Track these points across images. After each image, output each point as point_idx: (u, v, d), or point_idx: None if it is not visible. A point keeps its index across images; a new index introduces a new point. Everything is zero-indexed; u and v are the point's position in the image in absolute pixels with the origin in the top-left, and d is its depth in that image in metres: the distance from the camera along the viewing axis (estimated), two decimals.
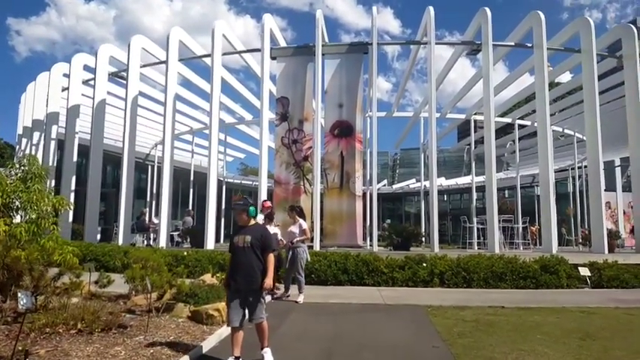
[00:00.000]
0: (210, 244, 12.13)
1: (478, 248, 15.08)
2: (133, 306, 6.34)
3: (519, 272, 9.73)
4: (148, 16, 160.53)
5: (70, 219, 15.03)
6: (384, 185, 35.89)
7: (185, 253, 10.81)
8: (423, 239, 14.85)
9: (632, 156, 12.81)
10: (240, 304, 4.03)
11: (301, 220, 7.86)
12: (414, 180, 33.29)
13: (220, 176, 21.63)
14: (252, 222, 4.26)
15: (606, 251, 11.45)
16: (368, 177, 15.58)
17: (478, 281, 9.60)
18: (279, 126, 12.65)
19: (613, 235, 12.98)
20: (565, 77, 23.99)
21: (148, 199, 23.05)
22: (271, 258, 4.13)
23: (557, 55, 14.06)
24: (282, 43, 13.93)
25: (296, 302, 7.40)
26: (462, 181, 31.21)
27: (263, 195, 12.01)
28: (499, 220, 12.23)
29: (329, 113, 12.56)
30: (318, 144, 11.97)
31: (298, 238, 7.69)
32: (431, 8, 11.93)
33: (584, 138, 20.37)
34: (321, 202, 12.10)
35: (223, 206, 20.36)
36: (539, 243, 17.75)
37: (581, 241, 16.53)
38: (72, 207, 14.88)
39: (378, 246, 13.36)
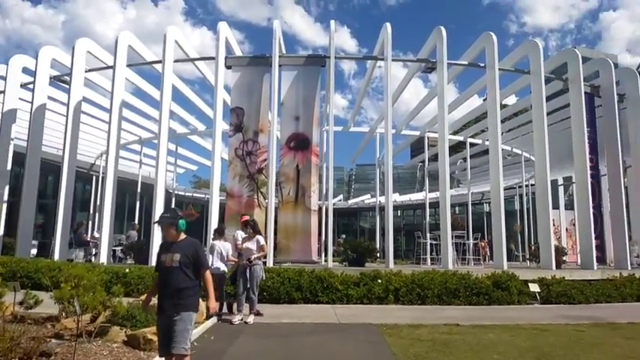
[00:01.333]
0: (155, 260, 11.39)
1: (432, 264, 15.16)
2: (62, 329, 5.70)
3: (472, 288, 9.78)
4: (100, 23, 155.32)
5: (1, 232, 13.81)
6: (340, 200, 35.89)
7: (127, 270, 10.09)
8: (378, 255, 14.75)
9: (576, 176, 13.36)
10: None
11: (259, 236, 7.47)
12: (369, 195, 33.52)
13: (170, 188, 20.75)
14: (182, 237, 3.71)
15: (554, 267, 11.76)
16: (324, 191, 15.39)
17: (432, 297, 9.55)
18: (233, 137, 12.21)
19: (560, 252, 13.39)
20: (511, 100, 25.03)
21: (92, 211, 21.74)
22: (208, 277, 3.69)
23: (504, 78, 14.48)
24: (238, 53, 13.59)
25: (245, 323, 6.99)
26: (416, 197, 31.75)
27: (214, 208, 11.52)
28: (452, 236, 12.32)
29: (285, 125, 12.29)
30: (274, 156, 11.64)
31: (256, 255, 7.26)
32: (388, 25, 12.03)
33: (532, 157, 21.31)
34: (276, 216, 11.72)
35: None
36: (488, 258, 18.17)
37: (529, 257, 17.02)
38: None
39: (333, 261, 13.12)
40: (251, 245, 7.30)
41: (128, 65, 13.50)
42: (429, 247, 16.01)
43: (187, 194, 30.37)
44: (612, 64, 13.92)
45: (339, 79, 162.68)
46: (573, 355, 5.25)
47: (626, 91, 14.36)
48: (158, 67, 12.76)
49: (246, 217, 8.41)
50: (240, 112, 12.20)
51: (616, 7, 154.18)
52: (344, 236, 29.78)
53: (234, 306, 7.57)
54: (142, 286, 9.41)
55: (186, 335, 3.49)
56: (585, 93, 13.32)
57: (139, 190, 19.97)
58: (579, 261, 18.40)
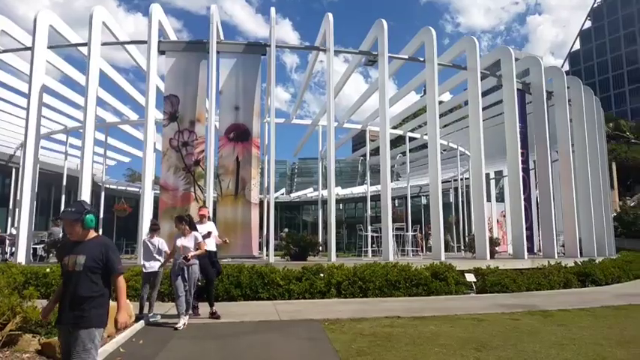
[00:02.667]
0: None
1: (373, 256, 15.27)
2: None
3: (412, 280, 9.89)
4: (24, 6, 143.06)
5: None
6: (282, 194, 35.53)
7: (48, 270, 9.23)
8: (321, 248, 14.63)
9: (509, 169, 13.93)
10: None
11: (196, 232, 6.84)
12: (311, 189, 33.43)
13: (99, 181, 19.39)
14: (92, 235, 3.06)
15: (488, 257, 12.20)
16: (266, 185, 15.00)
17: (374, 290, 9.54)
18: (167, 126, 11.48)
19: (494, 242, 13.94)
20: (445, 97, 25.90)
21: (11, 206, 19.88)
22: (121, 285, 3.04)
23: (440, 76, 14.74)
24: (173, 38, 12.81)
25: (175, 328, 6.25)
26: (357, 190, 32.07)
27: (147, 202, 10.78)
28: (392, 229, 12.42)
29: (224, 115, 11.74)
30: (212, 147, 11.12)
31: (193, 253, 6.62)
32: (330, 15, 11.81)
33: (467, 152, 22.15)
34: (214, 210, 11.20)
35: (102, 215, 18.17)
36: (424, 249, 18.66)
37: (464, 247, 17.65)
38: None
39: (275, 256, 12.82)
40: (187, 243, 6.68)
41: (50, 47, 12.34)
42: (369, 240, 16.13)
43: (120, 188, 28.66)
44: (542, 62, 14.63)
45: (281, 72, 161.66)
46: (511, 344, 5.32)
47: (554, 89, 15.20)
48: (85, 51, 11.71)
49: (206, 210, 8.03)
50: (174, 100, 11.49)
51: (541, 12, 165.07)
52: (286, 230, 29.52)
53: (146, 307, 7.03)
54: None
55: (87, 357, 2.86)
56: (517, 89, 13.90)
57: (64, 183, 18.46)
58: (510, 251, 19.43)
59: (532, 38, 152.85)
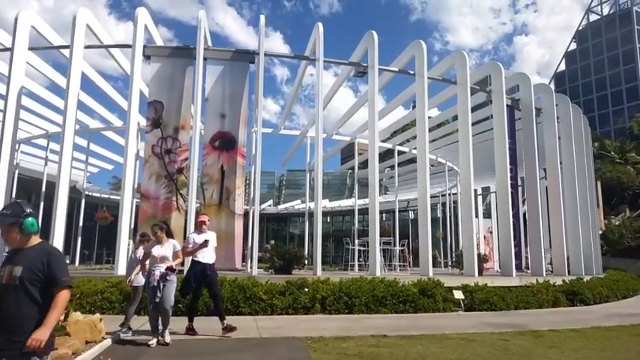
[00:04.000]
0: None
1: (359, 270, 14.98)
2: None
3: (399, 296, 9.62)
4: (13, 10, 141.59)
5: None
6: (270, 205, 35.12)
7: None
8: (306, 262, 14.28)
9: (497, 185, 13.82)
10: None
11: (174, 241, 6.34)
12: (299, 201, 33.10)
13: (80, 188, 18.85)
14: (34, 242, 2.59)
15: (476, 274, 11.98)
16: (252, 195, 14.67)
17: (360, 306, 9.24)
18: (150, 133, 11.14)
19: (482, 259, 13.76)
20: (433, 112, 26.00)
21: None
22: (62, 298, 2.48)
23: (429, 90, 14.72)
24: (160, 43, 12.53)
25: (165, 344, 5.88)
26: (345, 203, 31.81)
27: (125, 210, 10.37)
28: (380, 243, 12.17)
29: (209, 123, 11.44)
30: (196, 155, 10.76)
31: (173, 263, 6.13)
32: (320, 25, 11.67)
33: (455, 167, 22.11)
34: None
35: (81, 223, 17.63)
36: (410, 264, 18.40)
37: (451, 263, 17.45)
38: None
39: (259, 269, 12.45)
40: (165, 252, 6.13)
41: (31, 49, 11.98)
42: (356, 254, 15.84)
43: (103, 196, 27.98)
44: (531, 79, 14.64)
45: (271, 84, 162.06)
46: None
47: (543, 106, 15.22)
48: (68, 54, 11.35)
49: (206, 217, 7.15)
50: (159, 106, 11.18)
51: (528, 33, 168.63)
52: (273, 242, 29.05)
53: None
54: None
55: None
56: (506, 105, 13.87)
57: (43, 189, 17.89)
58: (496, 267, 19.29)
59: (518, 58, 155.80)
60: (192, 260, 6.73)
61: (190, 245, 6.70)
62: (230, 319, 8.09)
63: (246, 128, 11.65)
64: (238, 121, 11.37)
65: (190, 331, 6.69)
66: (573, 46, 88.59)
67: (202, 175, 11.16)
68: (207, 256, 6.68)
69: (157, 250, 6.13)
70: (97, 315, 6.16)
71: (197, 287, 6.80)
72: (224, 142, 11.22)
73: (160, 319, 6.06)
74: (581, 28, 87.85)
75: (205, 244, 6.59)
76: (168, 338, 5.97)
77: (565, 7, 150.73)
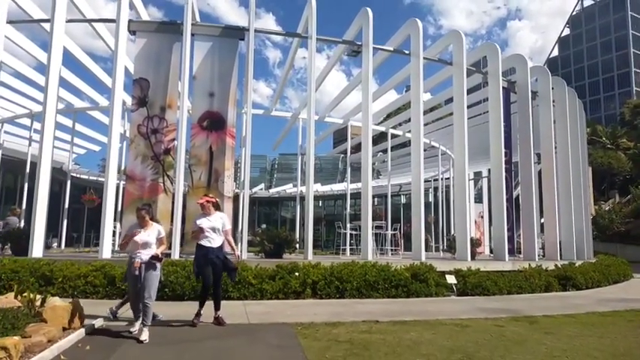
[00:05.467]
0: (37, 250, 9.74)
1: (351, 254, 14.82)
2: None
3: (391, 281, 9.45)
4: None
5: None
6: (261, 189, 34.83)
7: None
8: (297, 246, 14.08)
9: (492, 169, 13.61)
10: None
11: (159, 226, 5.87)
12: (291, 185, 32.84)
13: (66, 170, 18.38)
14: None
15: (469, 258, 11.85)
16: (242, 178, 14.36)
17: (351, 291, 9.07)
18: (135, 112, 10.71)
19: (474, 243, 13.64)
20: (425, 96, 25.74)
21: None
22: None
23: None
24: (146, 19, 12.03)
25: (139, 341, 5.17)
26: (337, 187, 31.61)
27: (110, 192, 10.02)
28: (372, 227, 11.97)
29: (198, 102, 11.04)
30: (183, 136, 10.39)
31: (158, 251, 5.68)
32: (313, 0, 11.23)
33: (448, 151, 21.91)
34: (184, 202, 10.52)
35: (66, 205, 17.21)
36: (402, 248, 18.29)
37: (444, 247, 17.36)
38: None
39: (249, 252, 12.23)
40: (148, 238, 5.66)
41: (10, 22, 11.45)
42: (348, 238, 15.67)
43: (91, 178, 27.45)
44: (528, 61, 14.36)
45: (263, 67, 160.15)
46: (499, 355, 4.88)
47: (539, 89, 14.97)
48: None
49: (208, 198, 6.45)
50: (144, 84, 10.73)
51: (521, 17, 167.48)
52: (264, 226, 28.81)
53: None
54: (15, 282, 7.87)
55: None
56: (502, 88, 13.59)
57: (27, 170, 17.40)
58: (486, 251, 19.28)
59: (512, 43, 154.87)
60: (197, 244, 6.31)
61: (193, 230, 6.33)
62: None
63: (235, 108, 11.27)
64: (228, 101, 10.98)
65: (215, 320, 6.27)
66: (567, 31, 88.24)
67: (190, 156, 10.80)
68: (212, 241, 6.22)
69: (139, 235, 5.64)
70: (78, 300, 5.87)
71: (202, 273, 6.23)
72: (213, 122, 10.84)
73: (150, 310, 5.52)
74: (574, 13, 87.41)
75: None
76: (145, 335, 5.24)
77: None
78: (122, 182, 13.28)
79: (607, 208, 31.24)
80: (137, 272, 5.52)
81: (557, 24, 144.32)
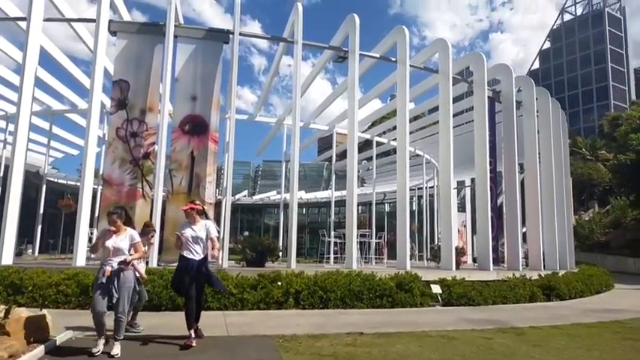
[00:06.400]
0: (6, 257, 9.29)
1: (335, 262, 14.60)
2: None
3: (376, 290, 9.27)
4: None
5: None
6: (245, 196, 34.42)
7: None
8: (280, 254, 13.81)
9: (477, 178, 13.56)
10: None
11: (132, 232, 5.39)
12: (274, 192, 32.53)
13: (42, 173, 17.80)
14: None
15: (454, 268, 11.75)
16: (224, 185, 14.06)
17: (335, 301, 8.85)
18: (114, 114, 10.37)
19: (459, 252, 13.55)
20: (409, 105, 25.88)
21: None
22: None
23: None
24: (127, 19, 11.72)
25: (111, 356, 4.82)
26: (321, 195, 31.42)
27: (86, 197, 9.64)
28: (357, 235, 11.79)
29: (179, 105, 10.73)
30: (164, 139, 10.08)
31: (131, 257, 5.22)
32: (299, 5, 11.10)
33: (432, 160, 21.94)
34: (163, 209, 10.19)
35: (41, 210, 16.64)
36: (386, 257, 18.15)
37: (428, 257, 17.27)
38: None
39: (230, 260, 11.91)
40: (121, 243, 5.20)
41: None
42: (332, 246, 15.46)
43: (70, 183, 26.72)
44: (513, 71, 14.42)
45: (248, 73, 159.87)
46: None
47: (523, 99, 15.07)
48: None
49: (193, 205, 6.04)
50: (124, 85, 10.41)
51: (503, 30, 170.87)
52: (246, 233, 28.42)
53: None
54: None
55: None
56: (487, 97, 13.62)
57: (0, 174, 16.78)
58: (469, 261, 19.28)
59: (494, 55, 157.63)
60: (180, 254, 5.88)
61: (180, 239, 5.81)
62: None
63: (218, 112, 11.00)
64: (210, 105, 10.71)
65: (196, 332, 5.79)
66: (547, 44, 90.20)
67: (170, 160, 10.47)
68: (195, 252, 5.75)
69: (111, 241, 5.16)
70: (45, 311, 5.51)
71: (182, 286, 5.78)
72: (195, 126, 10.55)
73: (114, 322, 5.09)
74: (555, 27, 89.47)
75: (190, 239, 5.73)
76: (116, 349, 4.90)
77: (540, 5, 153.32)
78: (99, 187, 12.84)
79: (587, 219, 31.69)
80: (104, 280, 4.98)
81: (539, 37, 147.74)
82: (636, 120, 25.92)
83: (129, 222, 5.54)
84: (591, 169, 38.00)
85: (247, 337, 6.10)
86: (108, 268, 5.05)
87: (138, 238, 5.42)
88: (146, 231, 6.79)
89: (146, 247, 6.71)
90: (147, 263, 7.33)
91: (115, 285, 5.04)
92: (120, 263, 5.10)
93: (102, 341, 5.00)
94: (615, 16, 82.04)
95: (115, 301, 5.00)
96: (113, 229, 5.24)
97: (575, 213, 33.97)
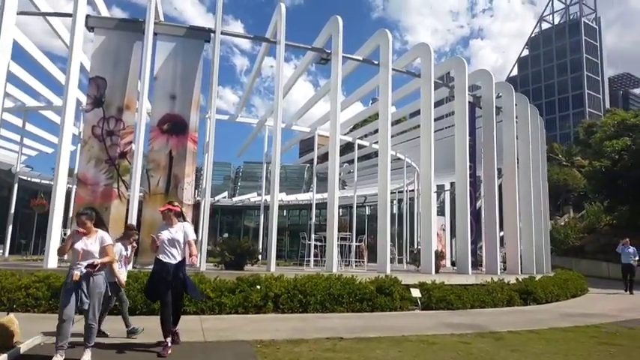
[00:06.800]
0: None
1: (315, 265, 14.51)
2: None
3: (356, 294, 9.20)
4: None
5: None
6: (225, 197, 34.08)
7: None
8: (260, 257, 13.64)
9: (457, 182, 13.69)
10: None
11: (103, 233, 5.02)
12: (255, 193, 32.30)
13: (15, 172, 17.24)
14: None
15: (433, 271, 11.78)
16: (204, 185, 13.85)
17: (315, 305, 8.75)
18: (90, 112, 10.07)
19: (439, 256, 13.61)
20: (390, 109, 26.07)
21: None
22: None
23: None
24: (105, 14, 11.43)
25: None
26: (302, 197, 31.34)
27: (59, 196, 9.33)
28: (338, 238, 11.72)
29: (158, 104, 10.50)
30: (141, 139, 9.84)
31: (99, 260, 4.85)
32: (282, 5, 11.01)
33: (413, 164, 22.07)
34: (139, 210, 9.94)
35: (12, 210, 16.08)
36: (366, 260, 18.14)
37: (408, 260, 17.32)
38: None
39: (209, 263, 11.73)
40: (90, 246, 4.85)
41: None
42: (312, 249, 15.36)
43: (44, 182, 25.99)
44: (493, 77, 14.61)
45: (230, 74, 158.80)
46: None
47: (503, 105, 15.27)
48: None
49: (170, 206, 5.82)
50: (101, 82, 10.13)
51: (484, 37, 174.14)
52: (226, 235, 28.08)
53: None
54: None
55: None
56: (468, 102, 13.75)
57: None
58: (448, 264, 19.42)
59: (474, 61, 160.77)
60: (155, 257, 5.64)
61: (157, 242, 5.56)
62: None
63: (198, 112, 10.80)
64: (190, 104, 10.50)
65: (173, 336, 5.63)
66: (526, 52, 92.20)
67: (148, 160, 10.23)
68: (171, 256, 5.53)
69: (80, 243, 4.82)
70: (12, 315, 5.25)
71: (156, 292, 5.63)
72: (173, 126, 10.32)
73: (85, 329, 4.80)
74: (533, 35, 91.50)
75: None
76: (87, 356, 4.64)
77: (519, 14, 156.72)
78: (74, 187, 12.49)
79: (562, 223, 32.35)
80: (71, 286, 4.64)
81: (517, 45, 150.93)
82: (611, 127, 26.57)
83: (100, 224, 5.18)
84: (567, 175, 38.85)
85: (225, 342, 5.95)
86: (77, 272, 4.71)
87: (109, 241, 5.07)
88: (128, 234, 6.56)
89: (129, 251, 6.49)
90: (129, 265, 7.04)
91: (85, 290, 4.72)
92: (88, 267, 4.75)
93: (62, 353, 4.56)
94: (591, 26, 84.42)
95: (85, 307, 4.69)
96: (83, 230, 4.90)
97: (551, 218, 34.66)
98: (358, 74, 13.51)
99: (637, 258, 14.91)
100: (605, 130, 27.80)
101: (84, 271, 4.75)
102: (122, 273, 6.13)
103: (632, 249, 14.94)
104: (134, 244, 6.98)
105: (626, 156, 22.79)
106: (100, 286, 4.88)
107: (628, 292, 14.66)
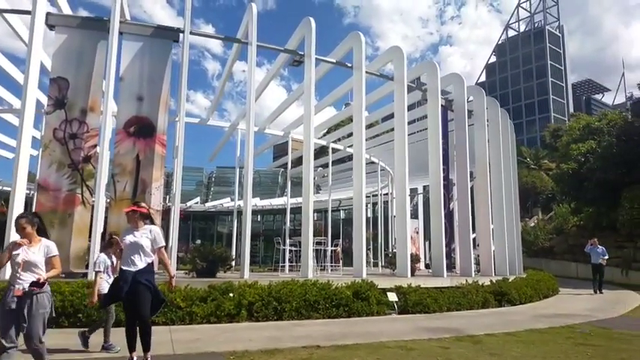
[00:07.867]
0: None
1: (290, 271, 14.23)
2: None
3: (332, 300, 9.03)
4: None
5: None
6: (197, 203, 33.31)
7: None
8: (233, 263, 13.27)
9: (431, 185, 13.70)
10: None
11: (48, 243, 4.36)
12: (228, 199, 31.71)
13: None
14: None
15: (409, 275, 11.71)
16: (174, 191, 13.39)
17: (290, 312, 8.51)
18: (51, 114, 9.54)
19: (414, 259, 13.56)
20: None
21: None
22: None
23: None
24: (68, 12, 10.93)
25: None
26: (276, 202, 30.94)
27: (18, 202, 8.79)
28: (313, 243, 11.51)
29: (124, 106, 10.05)
30: (106, 142, 9.39)
31: (46, 276, 4.21)
32: (254, 5, 10.75)
33: (387, 167, 22.09)
34: (105, 216, 9.48)
35: None
36: (342, 264, 17.98)
37: (384, 264, 17.25)
38: None
39: (179, 271, 11.32)
40: (34, 257, 4.20)
41: None
42: (287, 254, 15.09)
43: (6, 188, 24.75)
44: (464, 80, 14.73)
45: (201, 78, 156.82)
46: None
47: (474, 108, 15.43)
48: None
49: (136, 207, 5.32)
50: (63, 83, 9.62)
51: (452, 44, 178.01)
52: (199, 242, 27.41)
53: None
54: None
55: None
56: (440, 105, 13.81)
57: None
58: (422, 267, 19.46)
59: (443, 67, 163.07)
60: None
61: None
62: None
63: (167, 114, 10.40)
64: (158, 105, 10.10)
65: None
66: (493, 58, 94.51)
67: (114, 164, 9.77)
68: (133, 262, 5.03)
69: (23, 255, 4.16)
70: None
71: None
72: (141, 128, 9.90)
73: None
74: (500, 42, 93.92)
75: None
76: None
77: (486, 21, 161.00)
78: (34, 193, 11.86)
79: (532, 225, 33.05)
80: (14, 306, 3.99)
81: (485, 51, 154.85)
82: (576, 131, 27.34)
83: (43, 233, 4.44)
84: (535, 178, 39.79)
85: (195, 355, 5.64)
86: (19, 288, 4.05)
87: (55, 252, 4.37)
88: (113, 241, 6.03)
89: (114, 260, 6.01)
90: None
91: (25, 313, 4.03)
92: (32, 285, 4.06)
93: None
94: (555, 33, 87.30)
95: (24, 331, 4.04)
96: (23, 240, 4.24)
97: (521, 220, 35.45)
98: (330, 78, 13.44)
99: (606, 257, 15.25)
100: (571, 133, 28.59)
101: (26, 287, 4.06)
102: (107, 288, 5.67)
103: (600, 248, 15.28)
104: (119, 252, 6.53)
105: (591, 158, 23.45)
106: (44, 306, 4.18)
107: (598, 291, 14.97)
